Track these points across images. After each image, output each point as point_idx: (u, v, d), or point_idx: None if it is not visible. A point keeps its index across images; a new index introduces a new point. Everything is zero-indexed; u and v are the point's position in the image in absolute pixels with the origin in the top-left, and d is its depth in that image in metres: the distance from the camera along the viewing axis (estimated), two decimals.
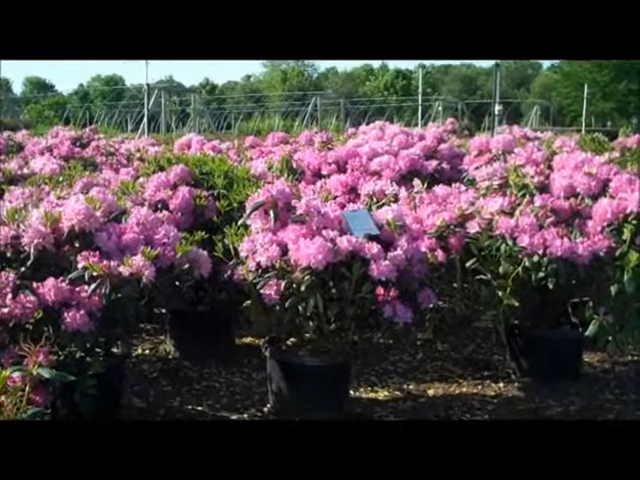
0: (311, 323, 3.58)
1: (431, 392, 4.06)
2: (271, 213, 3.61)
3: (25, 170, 5.40)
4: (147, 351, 4.59)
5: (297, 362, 3.66)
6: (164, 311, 4.45)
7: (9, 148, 6.89)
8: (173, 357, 4.49)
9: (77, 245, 3.21)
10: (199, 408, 3.76)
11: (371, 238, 3.51)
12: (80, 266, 3.06)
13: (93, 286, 3.02)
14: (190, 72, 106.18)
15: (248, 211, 3.67)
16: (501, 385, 4.17)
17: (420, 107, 25.15)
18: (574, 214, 3.97)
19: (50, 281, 3.00)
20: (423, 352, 4.69)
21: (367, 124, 8.37)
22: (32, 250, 3.09)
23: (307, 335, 3.70)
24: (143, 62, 20.14)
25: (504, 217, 3.91)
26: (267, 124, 29.99)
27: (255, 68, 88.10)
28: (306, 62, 66.35)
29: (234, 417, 3.66)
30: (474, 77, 65.65)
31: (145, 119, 21.55)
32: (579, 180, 4.09)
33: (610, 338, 3.75)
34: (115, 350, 3.61)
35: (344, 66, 71.57)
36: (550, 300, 4.15)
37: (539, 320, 4.26)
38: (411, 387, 4.13)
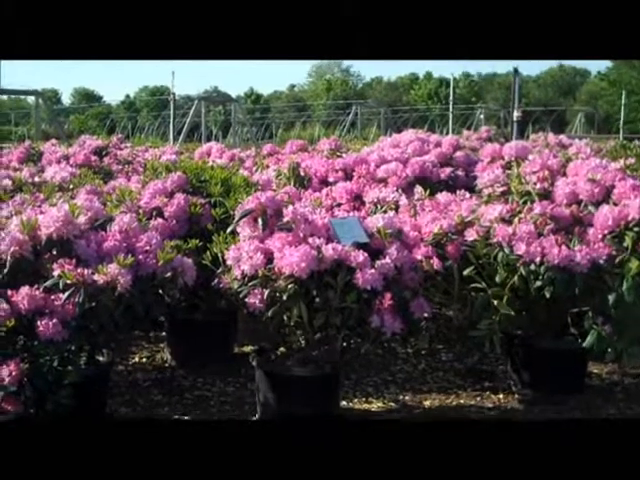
0: (297, 332, 3.52)
1: (427, 403, 3.96)
2: (259, 221, 3.56)
3: (36, 178, 5.42)
4: (144, 359, 4.56)
5: (284, 372, 3.59)
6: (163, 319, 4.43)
7: (30, 157, 6.94)
8: (169, 366, 4.45)
9: (55, 253, 3.19)
10: (185, 418, 3.70)
11: (360, 246, 3.44)
12: (55, 274, 3.04)
13: (67, 294, 3.00)
14: (236, 82, 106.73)
15: (236, 218, 3.63)
16: (500, 396, 4.05)
17: (451, 115, 24.87)
18: (575, 222, 3.85)
19: (24, 289, 2.98)
20: (426, 362, 4.59)
21: None
22: (9, 258, 3.08)
23: (295, 344, 3.64)
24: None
25: (502, 225, 3.81)
26: (308, 133, 30.06)
27: (300, 78, 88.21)
28: (351, 71, 66.31)
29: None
30: (519, 85, 64.91)
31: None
32: (582, 187, 3.96)
33: (609, 349, 3.63)
34: (101, 358, 3.59)
35: (388, 75, 71.43)
36: (553, 310, 4.03)
37: (543, 331, 4.14)
38: (407, 398, 4.03)
